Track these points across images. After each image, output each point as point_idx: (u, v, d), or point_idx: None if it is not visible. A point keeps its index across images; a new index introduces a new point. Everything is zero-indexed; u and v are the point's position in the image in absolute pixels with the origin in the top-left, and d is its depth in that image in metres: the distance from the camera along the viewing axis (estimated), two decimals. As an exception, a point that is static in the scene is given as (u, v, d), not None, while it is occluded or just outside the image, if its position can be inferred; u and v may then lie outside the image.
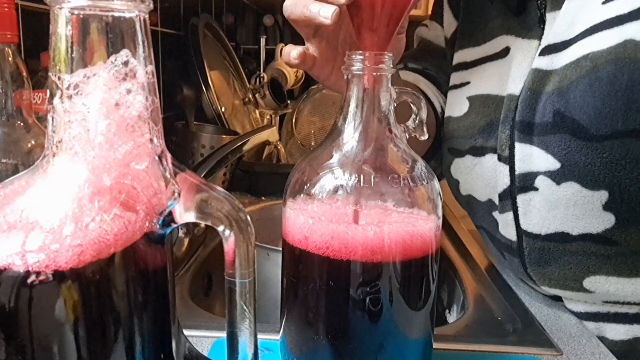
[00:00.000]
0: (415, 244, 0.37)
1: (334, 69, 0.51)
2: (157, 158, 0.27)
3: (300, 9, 0.45)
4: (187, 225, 0.71)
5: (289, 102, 1.44)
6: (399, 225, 0.37)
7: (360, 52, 0.38)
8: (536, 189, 0.53)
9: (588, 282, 0.54)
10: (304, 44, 0.50)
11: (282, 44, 1.63)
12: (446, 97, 0.70)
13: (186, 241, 0.72)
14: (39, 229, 0.24)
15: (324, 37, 0.49)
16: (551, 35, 0.53)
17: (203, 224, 0.28)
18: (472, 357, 0.50)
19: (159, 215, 0.27)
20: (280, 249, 0.41)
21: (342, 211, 0.37)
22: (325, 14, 0.43)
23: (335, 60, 0.51)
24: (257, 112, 1.42)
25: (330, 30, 0.48)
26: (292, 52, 0.49)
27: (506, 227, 0.58)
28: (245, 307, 0.29)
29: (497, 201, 0.58)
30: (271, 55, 1.63)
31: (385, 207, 0.37)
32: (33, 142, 0.49)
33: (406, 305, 0.38)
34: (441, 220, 0.40)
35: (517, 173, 0.54)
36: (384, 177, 0.37)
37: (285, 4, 0.47)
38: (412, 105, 0.42)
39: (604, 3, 0.49)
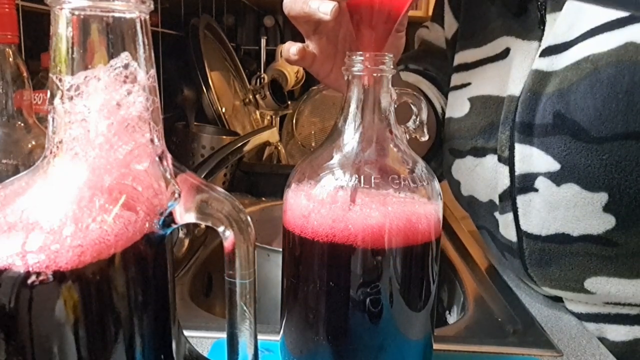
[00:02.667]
0: (417, 228, 0.37)
1: (334, 66, 0.51)
2: (157, 158, 0.27)
3: (299, 5, 0.45)
4: (187, 225, 0.71)
5: (289, 102, 1.44)
6: (401, 207, 0.37)
7: (361, 52, 0.38)
8: (536, 190, 0.53)
9: (589, 283, 0.54)
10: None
11: (282, 45, 1.63)
12: (447, 98, 0.70)
13: (186, 241, 0.72)
14: (39, 229, 0.24)
15: (323, 33, 0.49)
16: (551, 37, 0.53)
17: (203, 224, 0.28)
18: (472, 357, 0.50)
19: (159, 216, 0.27)
20: (280, 250, 0.41)
21: (343, 197, 0.37)
22: (325, 9, 0.43)
23: (335, 57, 0.51)
24: (257, 112, 1.42)
25: (330, 26, 0.48)
26: (291, 48, 0.49)
27: (506, 227, 0.58)
28: (245, 308, 0.29)
29: (497, 201, 0.58)
30: (271, 56, 1.63)
31: (387, 193, 0.37)
32: (33, 143, 0.49)
33: (406, 305, 0.38)
34: (441, 221, 0.40)
35: (516, 174, 0.54)
36: (384, 178, 0.37)
37: (284, 1, 0.47)
38: (412, 106, 0.42)
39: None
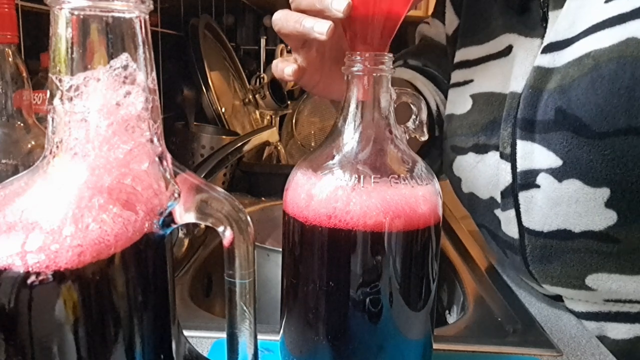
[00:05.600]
0: (416, 223, 0.37)
1: (322, 77, 0.51)
2: (157, 158, 0.27)
3: (291, 24, 0.44)
4: (187, 225, 0.71)
5: (288, 102, 1.44)
6: (402, 197, 0.37)
7: (360, 52, 0.38)
8: (538, 186, 0.53)
9: (590, 280, 0.54)
10: None
11: (282, 45, 1.63)
12: (444, 94, 0.70)
13: (186, 241, 0.72)
14: (39, 230, 0.24)
15: (312, 46, 0.48)
16: (553, 33, 0.53)
17: (203, 224, 0.28)
18: (472, 357, 0.50)
19: (159, 216, 0.27)
20: (280, 250, 0.41)
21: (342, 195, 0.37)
22: (320, 29, 0.41)
23: (323, 69, 0.50)
24: (257, 112, 1.42)
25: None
26: (285, 69, 0.48)
27: (508, 224, 0.58)
28: (245, 308, 0.29)
29: (498, 199, 0.58)
30: (271, 56, 1.63)
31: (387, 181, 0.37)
32: (33, 143, 0.49)
33: (406, 305, 0.38)
34: (441, 220, 0.40)
35: (518, 170, 0.54)
36: (383, 178, 0.37)
37: (274, 18, 0.46)
38: (411, 106, 0.42)
39: (606, 1, 0.49)
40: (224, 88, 1.28)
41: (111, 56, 0.25)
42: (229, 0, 1.60)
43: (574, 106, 0.49)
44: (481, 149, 0.59)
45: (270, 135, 1.05)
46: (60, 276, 0.24)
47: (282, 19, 0.45)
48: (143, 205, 0.26)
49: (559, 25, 0.52)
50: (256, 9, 1.86)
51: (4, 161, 0.47)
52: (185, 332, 0.32)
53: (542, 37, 0.55)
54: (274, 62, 0.50)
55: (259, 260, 0.58)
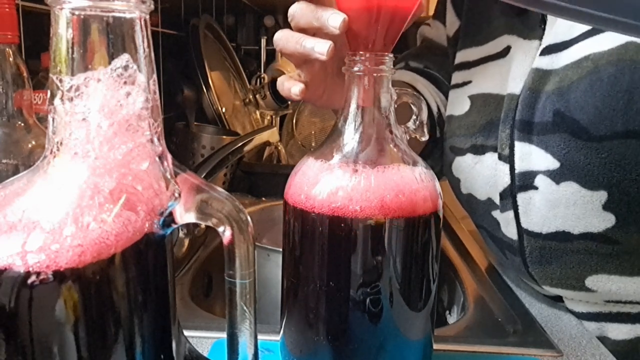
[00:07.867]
0: (417, 219, 0.37)
1: (325, 90, 0.50)
2: (157, 158, 0.27)
3: (292, 44, 0.44)
4: (187, 225, 0.71)
5: (289, 102, 1.44)
6: (403, 184, 0.37)
7: (361, 52, 0.38)
8: (536, 188, 0.53)
9: (590, 281, 0.54)
10: None
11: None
12: (446, 96, 0.70)
13: (186, 241, 0.73)
14: (39, 229, 0.24)
15: (315, 62, 0.48)
16: (552, 35, 0.53)
17: (203, 224, 0.28)
18: (472, 357, 0.50)
19: (159, 216, 0.27)
20: (280, 250, 0.41)
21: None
22: (320, 49, 0.42)
23: (325, 81, 0.50)
24: (258, 112, 1.42)
25: None
26: (292, 88, 0.48)
27: (507, 225, 0.58)
28: (245, 308, 0.29)
29: (496, 200, 0.58)
30: (271, 56, 1.63)
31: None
32: (33, 143, 0.49)
33: (406, 305, 0.38)
34: (441, 221, 0.40)
35: (516, 172, 0.54)
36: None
37: (275, 38, 0.45)
38: (412, 106, 0.42)
39: (604, 4, 0.49)
40: (224, 88, 1.28)
41: (112, 56, 0.25)
42: (229, 0, 1.60)
43: (572, 109, 0.49)
44: (479, 150, 0.59)
45: (271, 135, 1.05)
46: (60, 276, 0.24)
47: (283, 39, 0.45)
48: (143, 205, 0.26)
49: (557, 27, 0.52)
50: (257, 9, 1.86)
51: (4, 161, 0.47)
52: (185, 332, 0.32)
53: (541, 38, 0.55)
54: (279, 79, 0.50)
55: (259, 260, 0.58)
